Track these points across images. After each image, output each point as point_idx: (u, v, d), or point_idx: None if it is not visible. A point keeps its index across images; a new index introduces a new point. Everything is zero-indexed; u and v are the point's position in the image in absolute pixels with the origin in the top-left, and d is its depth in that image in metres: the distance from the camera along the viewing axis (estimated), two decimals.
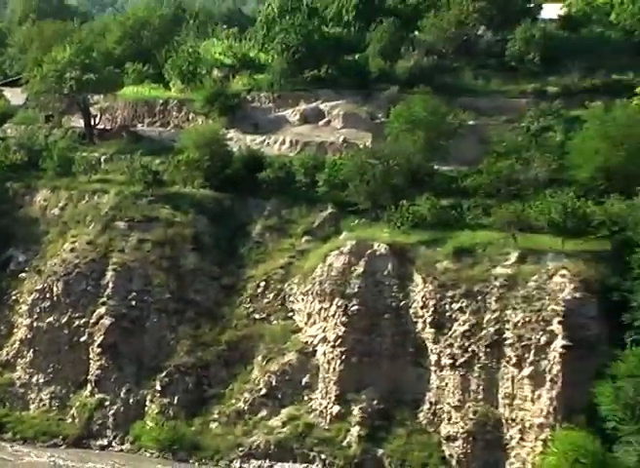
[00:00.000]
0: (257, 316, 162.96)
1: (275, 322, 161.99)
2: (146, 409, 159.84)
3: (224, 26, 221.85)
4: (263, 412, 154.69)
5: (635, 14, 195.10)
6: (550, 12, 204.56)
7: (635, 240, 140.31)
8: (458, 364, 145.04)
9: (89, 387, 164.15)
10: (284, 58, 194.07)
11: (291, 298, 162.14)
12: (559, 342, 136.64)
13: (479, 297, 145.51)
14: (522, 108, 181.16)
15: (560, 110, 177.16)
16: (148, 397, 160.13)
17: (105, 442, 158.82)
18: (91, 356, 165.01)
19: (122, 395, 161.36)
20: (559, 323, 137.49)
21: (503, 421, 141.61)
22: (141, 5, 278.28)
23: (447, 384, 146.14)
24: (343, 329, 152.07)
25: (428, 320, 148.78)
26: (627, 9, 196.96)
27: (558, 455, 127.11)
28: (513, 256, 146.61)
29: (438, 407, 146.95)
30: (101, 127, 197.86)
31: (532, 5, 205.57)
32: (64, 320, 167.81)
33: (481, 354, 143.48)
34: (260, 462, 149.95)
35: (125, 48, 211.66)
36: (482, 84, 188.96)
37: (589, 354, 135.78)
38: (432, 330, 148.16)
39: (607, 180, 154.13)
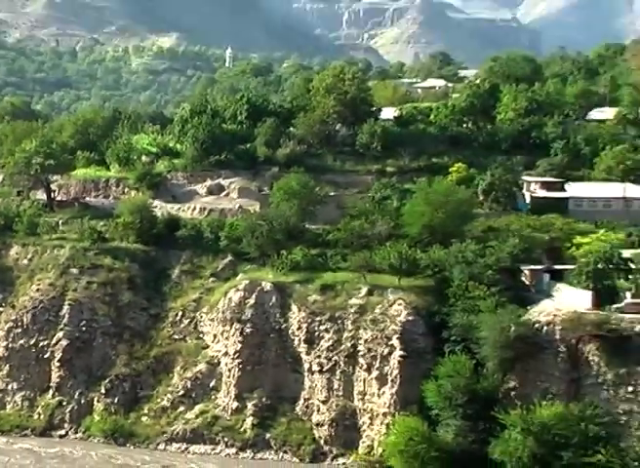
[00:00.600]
0: (176, 337, 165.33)
1: (190, 341, 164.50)
2: (94, 406, 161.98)
3: (150, 124, 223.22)
4: (182, 408, 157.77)
5: (447, 115, 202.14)
6: (388, 113, 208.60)
7: (450, 278, 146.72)
8: (324, 370, 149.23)
9: (51, 391, 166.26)
10: (194, 147, 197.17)
11: (201, 323, 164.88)
12: (397, 353, 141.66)
13: (339, 321, 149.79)
14: (368, 183, 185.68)
15: (396, 184, 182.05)
16: (95, 398, 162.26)
17: (64, 432, 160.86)
18: (52, 368, 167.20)
19: (76, 397, 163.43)
20: (397, 338, 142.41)
21: (358, 411, 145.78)
22: (88, 109, 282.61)
23: (316, 385, 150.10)
24: (240, 345, 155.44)
25: (302, 338, 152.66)
26: (442, 112, 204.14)
27: (397, 435, 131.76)
28: (364, 291, 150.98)
29: (310, 401, 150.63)
30: (59, 199, 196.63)
31: (374, 109, 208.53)
32: (32, 342, 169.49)
33: (341, 362, 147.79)
34: (179, 445, 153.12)
35: (76, 140, 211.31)
36: (339, 165, 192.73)
37: (419, 361, 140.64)
38: (305, 345, 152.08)
39: (430, 234, 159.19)
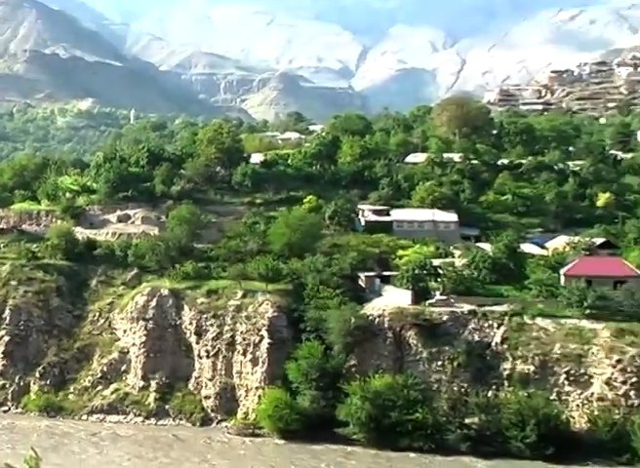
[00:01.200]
0: (95, 332, 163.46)
1: (105, 335, 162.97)
2: (31, 387, 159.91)
3: (72, 168, 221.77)
4: (100, 387, 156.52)
5: (301, 159, 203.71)
6: (256, 158, 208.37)
7: (305, 283, 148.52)
8: (210, 355, 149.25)
9: None
10: (107, 185, 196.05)
11: (114, 321, 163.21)
12: (266, 341, 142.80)
13: (221, 317, 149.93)
14: (242, 212, 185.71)
15: (263, 212, 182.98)
16: (32, 381, 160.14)
17: (7, 408, 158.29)
18: None
19: (16, 380, 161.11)
20: (266, 330, 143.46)
21: (236, 386, 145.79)
22: (23, 157, 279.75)
23: (204, 367, 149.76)
24: (145, 338, 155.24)
25: (193, 331, 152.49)
26: (297, 157, 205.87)
27: (266, 404, 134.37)
28: (239, 294, 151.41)
29: (199, 379, 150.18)
30: (1, 227, 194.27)
31: (245, 155, 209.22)
32: None
33: (223, 349, 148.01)
34: (98, 415, 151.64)
35: (14, 181, 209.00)
36: (219, 198, 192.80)
37: (283, 346, 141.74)
38: (195, 336, 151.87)
39: (290, 250, 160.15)
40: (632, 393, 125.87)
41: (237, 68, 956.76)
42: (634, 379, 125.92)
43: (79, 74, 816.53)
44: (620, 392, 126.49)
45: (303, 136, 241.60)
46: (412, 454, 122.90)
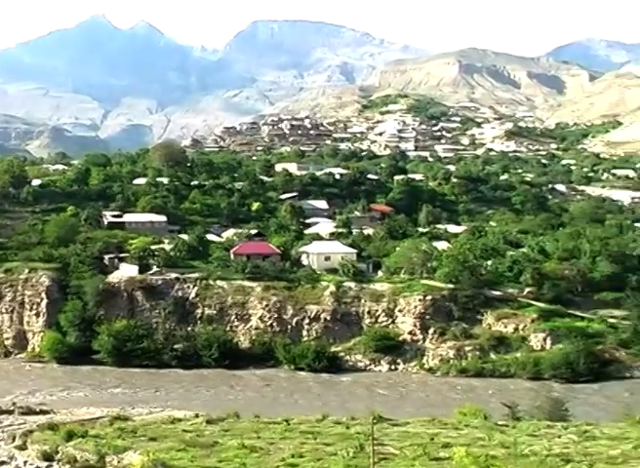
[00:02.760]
0: None
1: None
2: None
3: None
4: None
5: (66, 182, 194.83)
6: (36, 182, 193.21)
7: (69, 263, 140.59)
8: (8, 311, 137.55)
9: None
10: None
11: None
12: (44, 301, 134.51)
13: (15, 287, 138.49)
14: (27, 217, 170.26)
15: (41, 217, 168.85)
16: None
17: None
18: None
19: None
20: (44, 294, 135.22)
21: (26, 331, 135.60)
22: None
23: (5, 319, 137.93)
24: None
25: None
26: (63, 180, 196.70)
27: (46, 341, 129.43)
28: (27, 271, 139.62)
29: (2, 327, 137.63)
30: None
31: (29, 179, 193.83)
32: None
33: (17, 307, 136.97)
34: None
35: None
36: (13, 208, 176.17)
37: (56, 304, 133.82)
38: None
39: (59, 242, 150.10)
40: (275, 324, 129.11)
41: (23, 123, 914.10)
42: (275, 316, 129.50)
43: None
44: (268, 324, 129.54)
45: (67, 167, 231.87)
46: (140, 370, 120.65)
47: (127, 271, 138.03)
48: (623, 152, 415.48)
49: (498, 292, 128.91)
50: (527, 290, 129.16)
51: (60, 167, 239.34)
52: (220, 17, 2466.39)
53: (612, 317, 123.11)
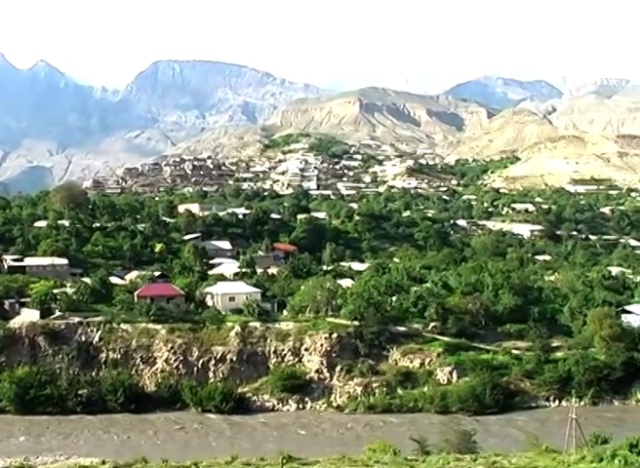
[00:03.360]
0: None
1: None
2: None
3: None
4: None
5: None
6: None
7: None
8: None
9: None
10: None
11: None
12: None
13: None
14: None
15: None
16: None
17: None
18: None
19: None
20: None
21: None
22: None
23: None
24: None
25: None
26: None
27: None
28: None
29: None
30: None
31: None
32: None
33: None
34: None
35: None
36: None
37: None
38: None
39: None
40: (181, 366, 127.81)
41: None
42: (181, 358, 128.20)
43: None
44: (174, 366, 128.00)
45: None
46: (44, 417, 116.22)
47: (28, 316, 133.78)
48: (522, 186, 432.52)
49: (403, 328, 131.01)
50: (432, 324, 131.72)
51: None
52: (121, 57, 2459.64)
53: (516, 348, 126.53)
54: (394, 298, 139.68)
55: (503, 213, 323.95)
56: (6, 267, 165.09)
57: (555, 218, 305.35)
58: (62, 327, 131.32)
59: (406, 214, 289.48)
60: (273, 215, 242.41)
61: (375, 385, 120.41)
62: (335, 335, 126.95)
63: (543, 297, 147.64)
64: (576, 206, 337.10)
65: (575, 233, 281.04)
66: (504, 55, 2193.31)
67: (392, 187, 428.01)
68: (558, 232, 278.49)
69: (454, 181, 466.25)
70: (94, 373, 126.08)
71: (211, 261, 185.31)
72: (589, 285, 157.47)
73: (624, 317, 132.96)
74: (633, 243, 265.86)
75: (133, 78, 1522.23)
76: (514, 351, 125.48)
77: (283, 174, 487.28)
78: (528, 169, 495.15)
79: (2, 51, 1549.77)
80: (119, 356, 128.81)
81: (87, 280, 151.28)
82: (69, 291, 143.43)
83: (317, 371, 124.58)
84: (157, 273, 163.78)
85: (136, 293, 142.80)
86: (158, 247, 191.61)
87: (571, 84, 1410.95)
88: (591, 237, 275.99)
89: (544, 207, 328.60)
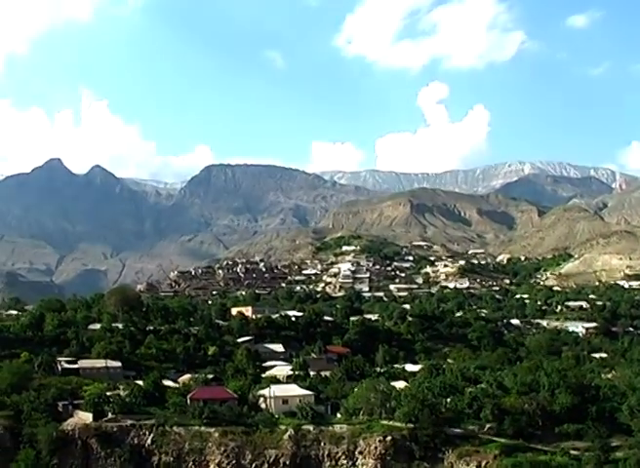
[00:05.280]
0: None
1: None
2: None
3: None
4: None
5: (19, 328, 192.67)
6: None
7: (23, 409, 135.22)
8: None
9: None
10: None
11: None
12: None
13: None
14: None
15: None
16: None
17: None
18: None
19: None
20: None
21: None
22: None
23: None
24: None
25: None
26: (17, 326, 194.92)
27: None
28: None
29: None
30: None
31: None
32: None
33: None
34: None
35: None
36: None
37: (7, 453, 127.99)
38: None
39: (11, 388, 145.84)
40: None
41: None
42: (234, 461, 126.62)
43: None
44: None
45: (21, 313, 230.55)
46: None
47: (81, 418, 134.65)
48: (575, 284, 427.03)
49: (458, 430, 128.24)
50: (487, 426, 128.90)
51: (14, 312, 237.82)
52: (174, 162, 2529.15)
53: (574, 449, 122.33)
54: (449, 400, 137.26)
55: (557, 311, 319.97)
56: (60, 369, 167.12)
57: (610, 315, 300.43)
58: (115, 429, 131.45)
59: (459, 314, 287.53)
60: (326, 318, 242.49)
61: None
62: (389, 438, 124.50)
63: (601, 396, 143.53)
64: (630, 301, 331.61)
65: (631, 329, 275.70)
66: (553, 153, 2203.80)
67: (445, 288, 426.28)
68: (614, 329, 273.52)
69: (506, 280, 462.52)
70: None
71: (264, 364, 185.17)
72: None
73: None
74: None
75: (186, 183, 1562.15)
76: (573, 452, 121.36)
77: (335, 276, 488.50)
78: (581, 265, 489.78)
79: (60, 156, 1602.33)
80: (172, 459, 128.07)
81: (140, 382, 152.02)
82: (122, 393, 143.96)
83: None
84: (210, 376, 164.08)
85: (188, 396, 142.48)
86: (211, 350, 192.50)
87: (621, 179, 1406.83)
88: None
89: (599, 303, 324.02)
